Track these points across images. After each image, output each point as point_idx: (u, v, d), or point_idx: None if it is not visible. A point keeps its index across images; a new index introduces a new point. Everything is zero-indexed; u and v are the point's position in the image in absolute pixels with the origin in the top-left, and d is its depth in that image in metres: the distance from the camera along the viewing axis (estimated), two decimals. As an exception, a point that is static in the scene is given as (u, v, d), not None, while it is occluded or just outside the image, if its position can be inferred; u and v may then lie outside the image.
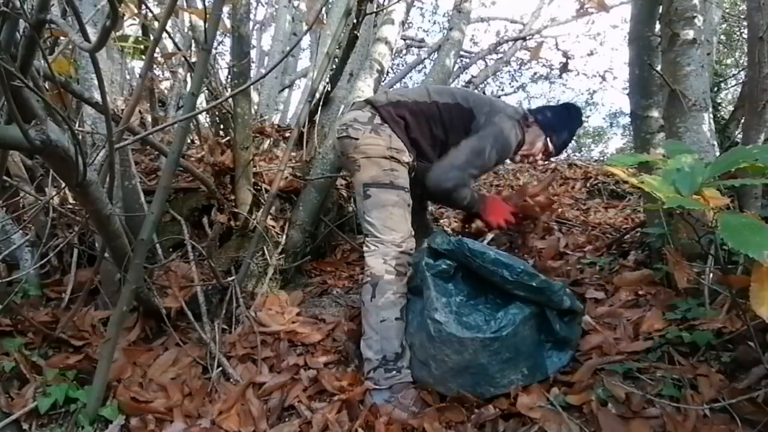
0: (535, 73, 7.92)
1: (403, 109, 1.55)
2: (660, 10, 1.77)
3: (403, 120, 1.54)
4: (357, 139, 1.49)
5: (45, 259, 1.67)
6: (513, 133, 1.61)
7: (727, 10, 4.68)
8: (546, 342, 1.33)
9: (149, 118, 2.45)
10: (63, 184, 1.38)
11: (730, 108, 3.54)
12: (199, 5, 2.35)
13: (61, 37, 1.77)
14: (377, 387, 1.33)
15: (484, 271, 1.31)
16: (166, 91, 3.17)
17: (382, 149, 1.48)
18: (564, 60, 4.80)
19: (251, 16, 4.66)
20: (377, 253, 1.43)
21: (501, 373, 1.23)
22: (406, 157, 1.53)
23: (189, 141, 2.59)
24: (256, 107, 3.80)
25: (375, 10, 2.87)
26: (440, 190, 1.53)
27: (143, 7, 1.99)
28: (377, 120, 1.52)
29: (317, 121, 2.56)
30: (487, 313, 1.30)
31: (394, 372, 1.34)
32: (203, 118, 2.75)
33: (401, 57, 7.31)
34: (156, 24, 2.04)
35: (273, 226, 2.06)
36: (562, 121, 1.75)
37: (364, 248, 1.48)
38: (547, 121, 1.71)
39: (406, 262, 1.44)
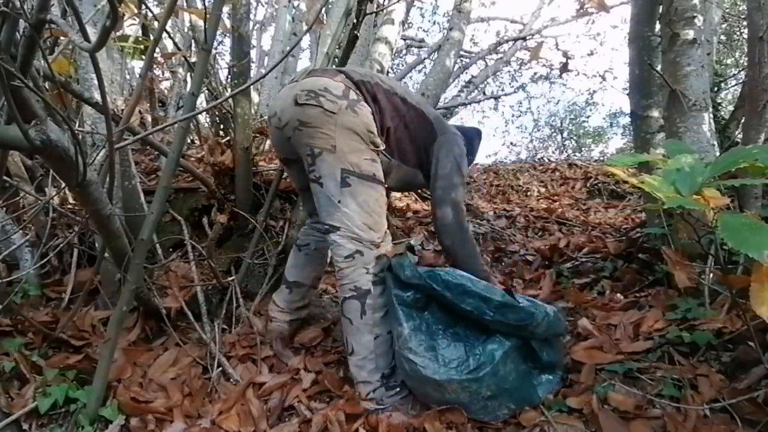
0: (535, 73, 7.91)
1: (380, 92, 1.37)
2: (660, 10, 1.77)
3: (378, 104, 1.35)
4: (333, 113, 1.24)
5: (45, 259, 1.67)
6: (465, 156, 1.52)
7: (727, 10, 4.68)
8: (533, 369, 1.23)
9: (149, 118, 2.45)
10: (63, 184, 1.38)
11: (731, 108, 3.54)
12: (199, 5, 2.35)
13: (61, 37, 1.77)
14: (380, 407, 1.26)
15: (458, 307, 1.18)
16: (166, 91, 3.18)
17: (362, 129, 1.27)
18: (564, 60, 4.79)
19: (251, 16, 4.65)
20: (358, 264, 1.26)
21: (484, 410, 1.17)
22: (380, 144, 1.33)
23: (189, 141, 2.59)
24: (256, 107, 3.80)
25: (375, 10, 2.87)
26: (452, 231, 1.41)
27: (143, 7, 1.99)
28: (353, 95, 1.29)
29: (317, 121, 2.55)
30: (467, 343, 1.20)
31: (397, 389, 1.28)
32: (203, 118, 2.75)
33: (401, 57, 7.31)
34: (156, 24, 2.04)
35: (273, 226, 2.06)
36: (474, 143, 1.67)
37: (334, 249, 1.28)
38: (468, 143, 1.61)
39: (383, 267, 1.28)
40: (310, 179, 1.30)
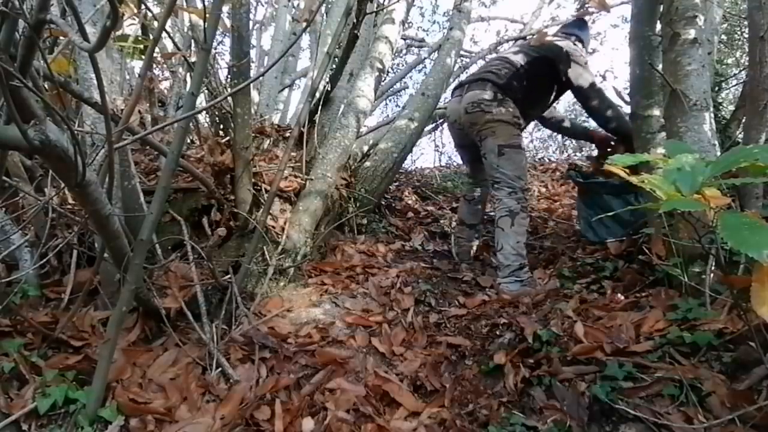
0: (535, 73, 7.88)
1: (516, 80, 2.13)
2: (661, 10, 1.76)
3: (516, 95, 2.12)
4: (490, 112, 2.07)
5: (44, 260, 1.66)
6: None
7: (728, 10, 4.67)
8: None
9: (149, 118, 2.44)
10: (62, 185, 1.38)
11: (731, 108, 3.53)
12: (199, 5, 2.34)
13: (61, 37, 1.77)
14: (518, 279, 2.01)
15: None
16: (165, 91, 3.17)
17: (509, 117, 2.09)
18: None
19: (251, 16, 4.65)
20: (512, 194, 2.06)
21: None
22: (522, 122, 2.16)
23: (189, 141, 2.59)
24: (256, 107, 3.79)
25: (375, 9, 2.86)
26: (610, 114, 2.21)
27: (143, 6, 1.99)
28: (500, 95, 2.09)
29: (317, 121, 2.56)
30: None
31: (527, 274, 2.04)
32: (203, 118, 2.75)
33: (401, 57, 7.28)
34: (155, 24, 2.04)
35: (273, 226, 2.06)
36: (583, 34, 2.43)
37: (497, 191, 2.09)
38: (578, 39, 2.37)
39: (526, 199, 2.11)
40: (481, 154, 2.16)
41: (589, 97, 2.19)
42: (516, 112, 2.11)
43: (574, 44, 2.24)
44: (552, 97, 2.33)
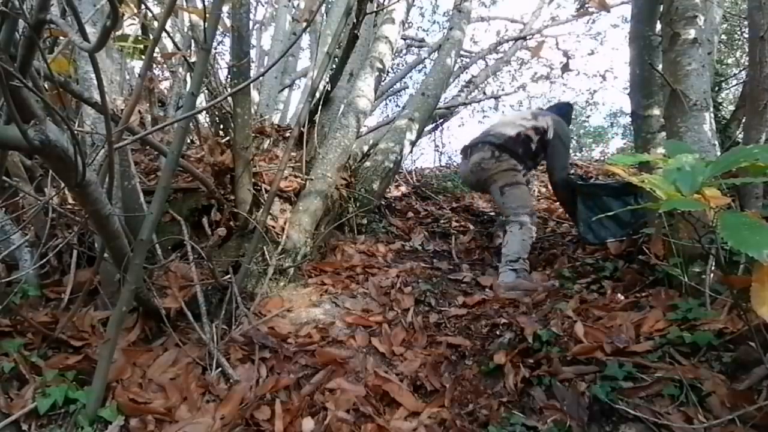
0: (535, 73, 7.86)
1: (511, 142, 2.49)
2: (661, 10, 1.76)
3: (512, 152, 2.49)
4: (489, 169, 2.49)
5: (44, 260, 1.66)
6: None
7: (728, 10, 4.67)
8: None
9: (149, 118, 2.44)
10: (62, 185, 1.38)
11: (731, 108, 3.53)
12: (199, 5, 2.34)
13: (61, 37, 1.77)
14: (513, 269, 2.22)
15: None
16: (165, 91, 3.17)
17: (506, 166, 2.47)
18: (564, 59, 4.80)
19: (251, 16, 4.64)
20: (521, 216, 2.39)
21: None
22: (521, 167, 2.50)
23: (189, 141, 2.59)
24: (256, 107, 3.79)
25: (375, 9, 2.86)
26: (562, 184, 2.55)
27: (143, 6, 1.99)
28: (497, 153, 2.49)
29: (317, 121, 2.56)
30: None
31: (526, 269, 2.24)
32: (203, 118, 2.75)
33: (401, 57, 7.27)
34: (155, 24, 2.04)
35: (273, 226, 2.06)
36: (568, 114, 2.88)
37: (509, 218, 2.44)
38: (564, 116, 2.76)
39: (533, 216, 2.43)
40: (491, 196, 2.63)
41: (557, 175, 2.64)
42: (513, 161, 2.48)
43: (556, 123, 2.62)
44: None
